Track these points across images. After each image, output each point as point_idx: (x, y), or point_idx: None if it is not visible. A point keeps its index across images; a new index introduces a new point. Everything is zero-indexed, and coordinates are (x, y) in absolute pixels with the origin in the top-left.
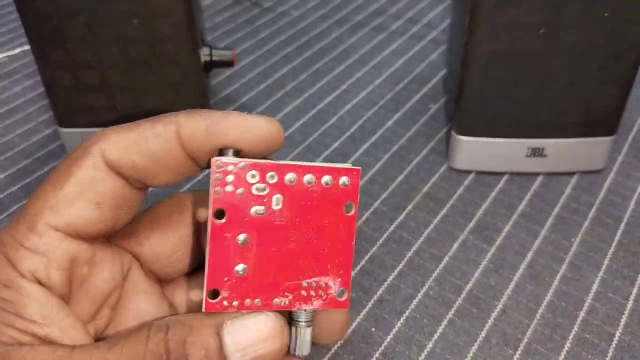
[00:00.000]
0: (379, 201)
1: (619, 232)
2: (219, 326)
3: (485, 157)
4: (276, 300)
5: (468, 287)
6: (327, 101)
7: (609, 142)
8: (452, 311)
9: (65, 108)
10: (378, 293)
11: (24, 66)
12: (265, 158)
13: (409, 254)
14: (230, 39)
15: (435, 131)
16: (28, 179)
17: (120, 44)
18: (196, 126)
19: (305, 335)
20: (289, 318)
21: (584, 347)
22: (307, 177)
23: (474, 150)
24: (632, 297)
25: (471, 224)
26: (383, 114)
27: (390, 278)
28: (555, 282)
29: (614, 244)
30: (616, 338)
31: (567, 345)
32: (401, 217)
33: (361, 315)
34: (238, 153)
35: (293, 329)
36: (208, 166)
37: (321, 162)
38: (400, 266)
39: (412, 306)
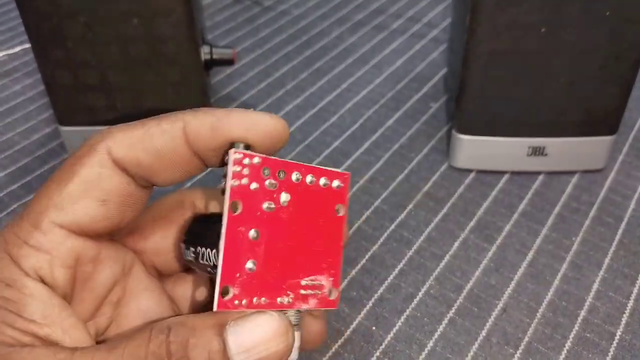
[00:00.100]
0: (379, 200)
1: (620, 231)
2: (222, 327)
3: (486, 156)
4: (279, 299)
5: (469, 286)
6: (328, 100)
7: (609, 141)
8: (453, 310)
9: (66, 107)
10: (379, 292)
11: (24, 64)
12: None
13: (410, 253)
14: (231, 38)
15: (436, 130)
16: (28, 178)
17: (120, 43)
18: (202, 123)
19: (295, 339)
20: None
21: (584, 346)
22: (309, 177)
23: (475, 149)
24: (632, 296)
25: (472, 223)
26: (384, 112)
27: (391, 277)
28: (556, 281)
29: (614, 243)
30: (617, 337)
31: (568, 344)
32: (402, 216)
33: (362, 314)
34: (248, 148)
35: None
36: (213, 164)
37: (316, 163)
38: (401, 265)
39: (413, 305)
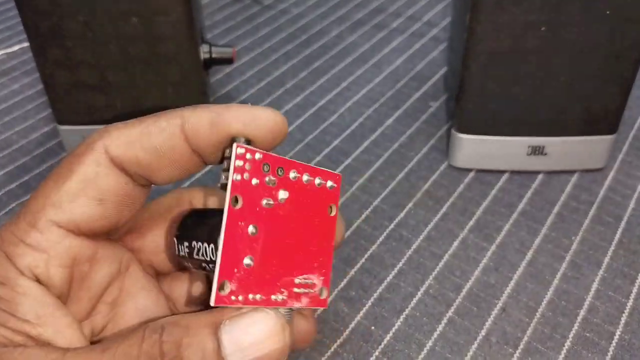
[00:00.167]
0: (379, 199)
1: (619, 230)
2: (217, 326)
3: (485, 155)
4: (273, 296)
5: (468, 285)
6: (328, 99)
7: (609, 140)
8: (452, 310)
9: (64, 106)
10: (378, 291)
11: (23, 63)
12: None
13: (409, 252)
14: (230, 37)
15: (436, 129)
16: (26, 177)
17: (119, 42)
18: (201, 119)
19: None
20: None
21: (584, 346)
22: (305, 176)
23: (475, 148)
24: (632, 295)
25: (471, 222)
26: (383, 111)
27: (390, 276)
28: (556, 281)
29: (614, 243)
30: (616, 337)
31: (568, 343)
32: (401, 215)
33: (361, 314)
34: (249, 143)
35: None
36: (212, 161)
37: (315, 162)
38: (400, 264)
39: (412, 304)
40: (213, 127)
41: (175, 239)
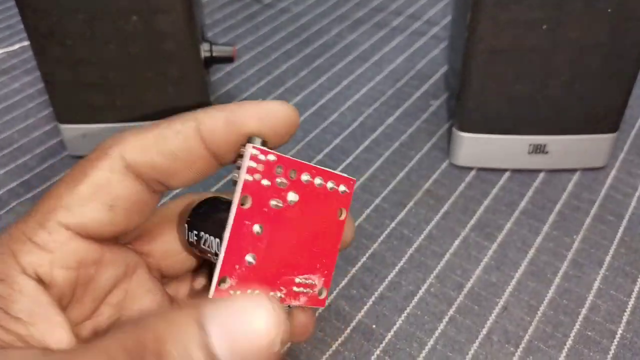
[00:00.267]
0: (379, 198)
1: (621, 229)
2: (202, 315)
3: (486, 153)
4: (272, 293)
5: (469, 284)
6: (328, 98)
7: (611, 139)
8: (453, 308)
9: (65, 104)
10: (379, 290)
11: (23, 62)
12: (275, 148)
13: (410, 251)
14: (231, 35)
15: (437, 128)
16: (27, 175)
17: (119, 40)
18: (215, 120)
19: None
20: None
21: (585, 345)
22: (317, 180)
23: (476, 147)
24: (634, 294)
25: (472, 221)
26: (384, 110)
27: (391, 275)
28: (557, 279)
29: (615, 241)
30: (618, 335)
31: (569, 342)
32: (402, 214)
33: (362, 312)
34: (265, 144)
35: None
36: (229, 161)
37: (321, 164)
38: (401, 263)
39: (413, 303)
40: (228, 126)
41: (186, 225)
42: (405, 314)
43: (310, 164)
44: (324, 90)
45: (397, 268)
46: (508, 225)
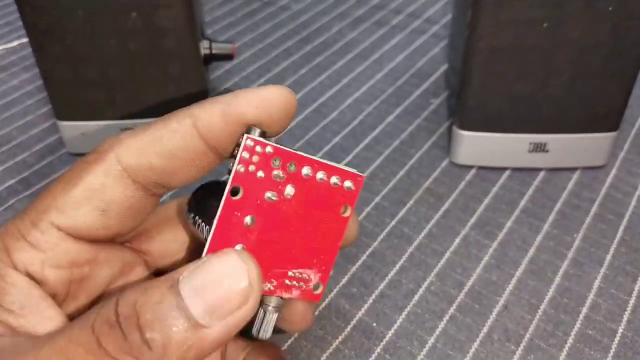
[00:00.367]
0: (380, 196)
1: (621, 228)
2: (175, 280)
3: (487, 152)
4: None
5: (470, 282)
6: (328, 95)
7: (611, 138)
8: (454, 306)
9: (64, 101)
10: (379, 288)
11: (22, 59)
12: (278, 141)
13: (410, 249)
14: (231, 33)
15: (437, 126)
16: (26, 173)
17: (119, 37)
18: (211, 114)
19: (271, 319)
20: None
21: (586, 343)
22: (320, 174)
23: (476, 145)
24: (634, 293)
25: (473, 220)
26: (384, 108)
27: (392, 273)
28: (557, 278)
29: (615, 240)
30: (619, 334)
31: (570, 341)
32: (402, 212)
33: (362, 310)
34: (264, 134)
35: (261, 311)
36: (229, 155)
37: (327, 160)
38: (402, 261)
39: (414, 301)
40: (226, 117)
41: (186, 206)
42: (405, 312)
43: (315, 157)
44: (324, 88)
45: (397, 266)
46: (508, 223)
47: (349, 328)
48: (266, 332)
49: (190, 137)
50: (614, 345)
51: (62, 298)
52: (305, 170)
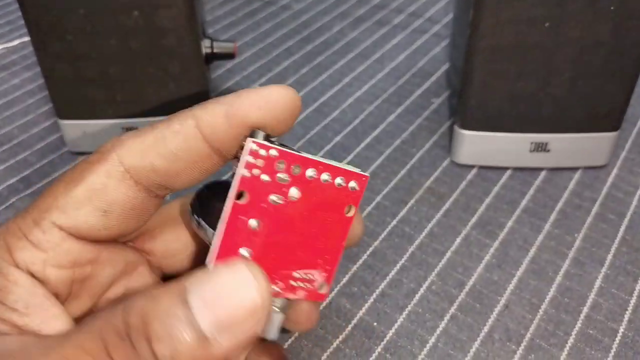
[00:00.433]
0: (381, 195)
1: (622, 228)
2: (185, 291)
3: (488, 151)
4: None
5: (471, 282)
6: (329, 95)
7: (612, 137)
8: (455, 306)
9: (65, 100)
10: (380, 287)
11: (23, 58)
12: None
13: (411, 249)
14: (232, 32)
15: (438, 125)
16: (27, 171)
17: (120, 35)
18: (214, 115)
19: (276, 320)
20: None
21: (587, 343)
22: (324, 175)
23: (477, 145)
24: (635, 293)
25: (474, 219)
26: (385, 107)
27: (393, 272)
28: (559, 278)
29: (617, 240)
30: (620, 334)
31: (571, 341)
32: (403, 212)
33: (363, 310)
34: (268, 137)
35: None
36: (232, 156)
37: (330, 159)
38: (403, 260)
39: (415, 301)
40: (229, 119)
41: (190, 207)
42: (406, 312)
43: (319, 158)
44: (325, 87)
45: (398, 266)
46: (509, 223)
47: (349, 327)
48: (272, 333)
49: (192, 139)
50: (614, 345)
51: (64, 298)
52: (310, 172)
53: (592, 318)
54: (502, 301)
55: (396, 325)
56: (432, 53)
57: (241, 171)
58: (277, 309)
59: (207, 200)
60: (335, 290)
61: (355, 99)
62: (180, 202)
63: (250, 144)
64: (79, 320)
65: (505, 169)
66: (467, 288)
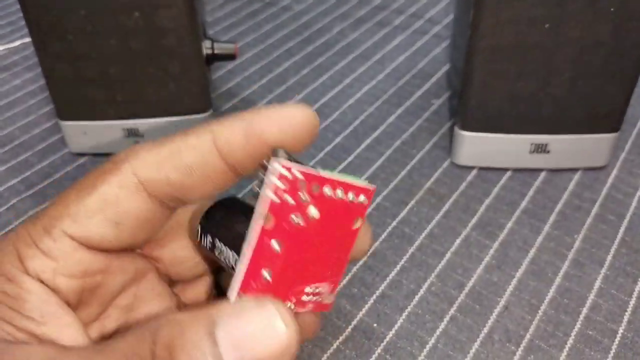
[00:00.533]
0: (381, 197)
1: (622, 229)
2: (212, 324)
3: (488, 152)
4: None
5: (470, 283)
6: (330, 96)
7: (612, 138)
8: (455, 307)
9: (66, 100)
10: (380, 288)
11: (24, 59)
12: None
13: (411, 250)
14: (233, 33)
15: (438, 126)
16: (28, 172)
17: (120, 35)
18: (233, 132)
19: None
20: None
21: (586, 344)
22: (339, 192)
23: (477, 146)
24: (634, 294)
25: (474, 220)
26: (386, 109)
27: (393, 273)
28: (558, 279)
29: (616, 241)
30: (619, 335)
31: (570, 341)
32: (403, 213)
33: (363, 311)
34: (290, 157)
35: None
36: (248, 172)
37: (341, 174)
38: (403, 262)
39: (414, 302)
40: (247, 138)
41: (199, 227)
42: (406, 313)
43: (332, 175)
44: (325, 88)
45: (398, 267)
46: (509, 224)
47: (349, 328)
48: None
49: (209, 154)
50: (614, 346)
51: (74, 307)
52: (327, 190)
53: (591, 319)
54: (502, 302)
55: (396, 326)
56: (433, 54)
57: (269, 195)
58: None
59: (220, 221)
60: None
61: (356, 100)
62: (189, 210)
63: (279, 168)
64: (87, 326)
65: (505, 170)
66: (466, 289)
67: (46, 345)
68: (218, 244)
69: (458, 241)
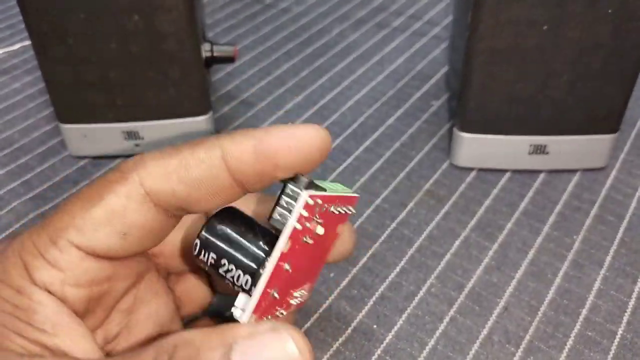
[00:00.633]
0: (380, 198)
1: (621, 230)
2: (229, 347)
3: (487, 154)
4: (277, 313)
5: (470, 284)
6: (329, 98)
7: (611, 139)
8: (454, 308)
9: (66, 104)
10: (379, 290)
11: (24, 62)
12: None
13: (411, 251)
14: (232, 35)
15: (437, 128)
16: (28, 175)
17: (120, 39)
18: (242, 148)
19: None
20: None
21: (586, 345)
22: (340, 208)
23: (476, 147)
24: (634, 295)
25: (473, 222)
26: (385, 110)
27: (392, 275)
28: (558, 280)
29: (616, 242)
30: (618, 336)
31: (569, 343)
32: (403, 215)
33: (363, 312)
34: (311, 184)
35: None
36: (255, 189)
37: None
38: (402, 263)
39: (414, 303)
40: (257, 155)
41: (198, 241)
42: (406, 314)
43: (335, 191)
44: (324, 90)
45: (397, 268)
46: (508, 225)
47: (349, 330)
48: None
49: (217, 169)
50: (613, 347)
51: (81, 316)
52: (332, 208)
53: (591, 320)
54: (502, 303)
55: (396, 328)
56: (432, 55)
57: (295, 225)
58: None
59: (224, 237)
60: (335, 293)
61: (355, 101)
62: None
63: (306, 198)
64: (93, 333)
65: (504, 171)
66: (466, 290)
67: (59, 357)
68: (226, 264)
69: (457, 242)
